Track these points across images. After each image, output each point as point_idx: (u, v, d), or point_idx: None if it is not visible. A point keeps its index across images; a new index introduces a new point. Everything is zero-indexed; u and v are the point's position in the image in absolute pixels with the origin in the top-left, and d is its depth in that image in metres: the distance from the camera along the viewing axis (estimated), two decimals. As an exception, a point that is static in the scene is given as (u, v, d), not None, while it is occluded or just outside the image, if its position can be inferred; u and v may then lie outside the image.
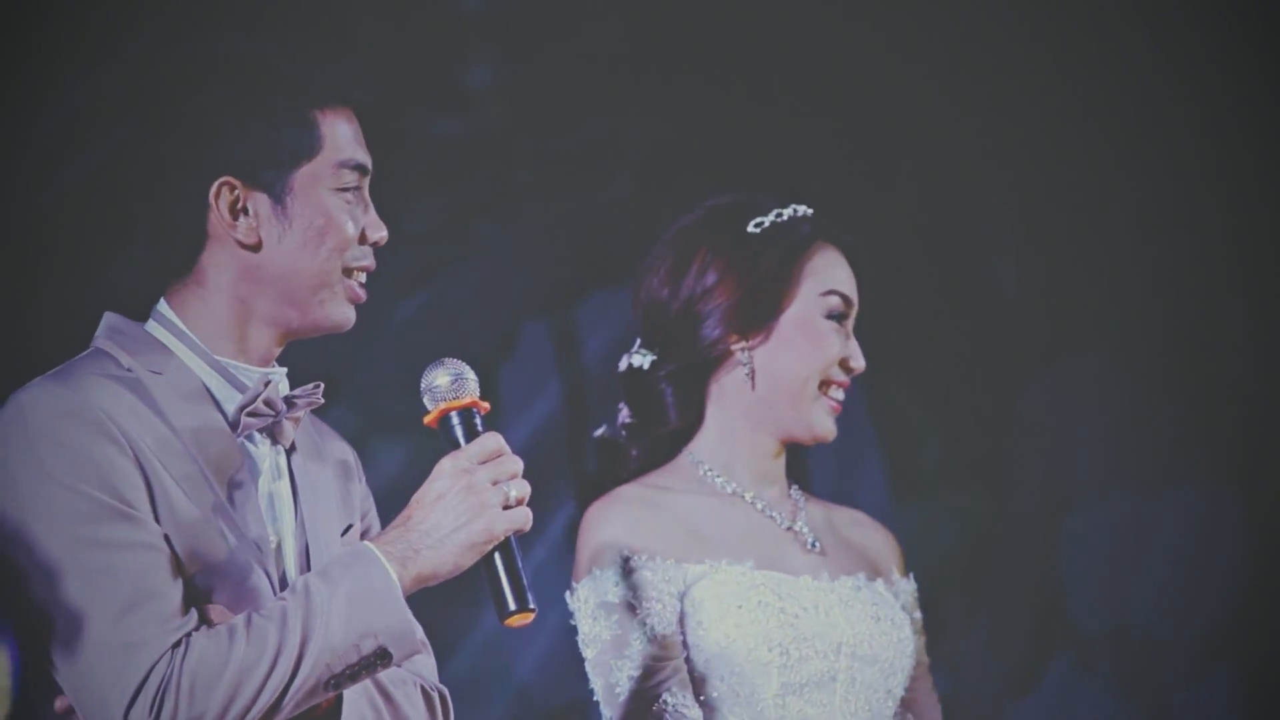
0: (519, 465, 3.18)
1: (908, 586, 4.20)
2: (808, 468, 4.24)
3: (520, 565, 3.16)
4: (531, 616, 3.17)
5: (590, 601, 3.96)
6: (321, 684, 3.08)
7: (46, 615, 3.07)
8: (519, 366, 5.37)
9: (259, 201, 3.27)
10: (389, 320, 5.15)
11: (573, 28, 5.34)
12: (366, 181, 3.35)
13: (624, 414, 4.19)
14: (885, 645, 4.01)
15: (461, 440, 3.20)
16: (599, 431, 4.22)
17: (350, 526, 3.43)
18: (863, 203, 5.45)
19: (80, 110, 4.64)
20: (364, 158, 3.33)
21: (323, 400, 3.36)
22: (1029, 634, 5.57)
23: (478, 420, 3.21)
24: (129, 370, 3.22)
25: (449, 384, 3.21)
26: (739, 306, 4.10)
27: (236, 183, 3.26)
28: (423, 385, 3.23)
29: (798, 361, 4.10)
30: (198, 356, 3.28)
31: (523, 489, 3.18)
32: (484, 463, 3.17)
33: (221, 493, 3.20)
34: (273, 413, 3.28)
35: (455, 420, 3.20)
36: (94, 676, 3.05)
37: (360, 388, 5.07)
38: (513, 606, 3.15)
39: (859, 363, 4.12)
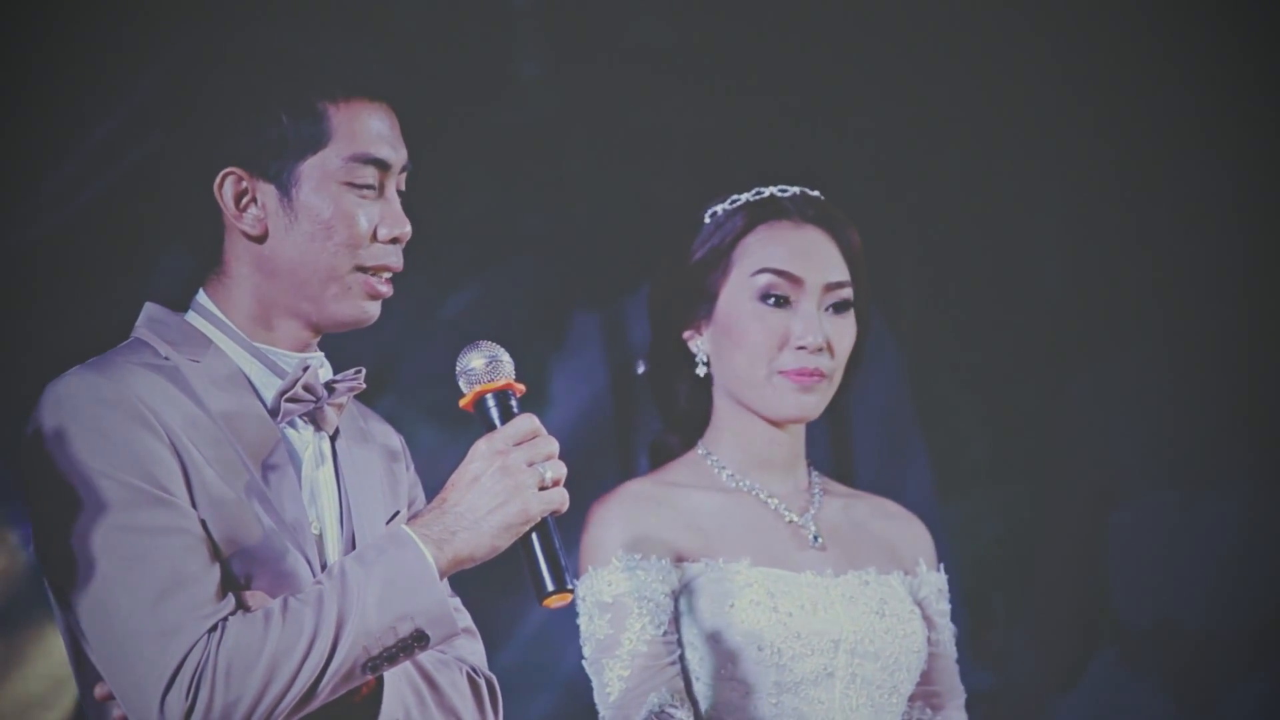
0: (555, 446, 3.16)
1: (933, 578, 4.09)
2: (853, 461, 4.23)
3: (558, 546, 3.15)
4: (570, 597, 3.16)
5: (587, 600, 3.91)
6: (359, 667, 3.07)
7: (84, 601, 3.07)
8: (569, 357, 5.39)
9: (267, 193, 3.24)
10: (441, 312, 5.17)
11: (623, 20, 5.36)
12: (391, 177, 3.29)
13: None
14: (889, 641, 3.91)
15: (497, 422, 3.18)
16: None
17: (397, 514, 3.41)
18: (908, 199, 5.46)
19: (137, 103, 4.69)
20: (383, 152, 3.27)
21: (364, 386, 3.34)
22: (1073, 629, 5.56)
23: (513, 402, 3.19)
24: (167, 359, 3.22)
25: (484, 366, 3.19)
26: (674, 299, 4.05)
27: (243, 174, 3.24)
28: (458, 368, 3.21)
29: (735, 350, 4.00)
30: (236, 344, 3.27)
31: (558, 470, 3.15)
32: (519, 444, 3.14)
33: (258, 476, 3.19)
34: (313, 398, 3.27)
35: (490, 402, 3.18)
36: (130, 663, 3.04)
37: (412, 379, 5.09)
38: (550, 587, 3.14)
39: (809, 340, 3.94)
